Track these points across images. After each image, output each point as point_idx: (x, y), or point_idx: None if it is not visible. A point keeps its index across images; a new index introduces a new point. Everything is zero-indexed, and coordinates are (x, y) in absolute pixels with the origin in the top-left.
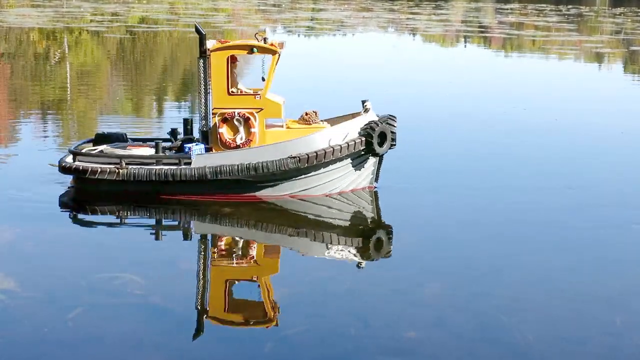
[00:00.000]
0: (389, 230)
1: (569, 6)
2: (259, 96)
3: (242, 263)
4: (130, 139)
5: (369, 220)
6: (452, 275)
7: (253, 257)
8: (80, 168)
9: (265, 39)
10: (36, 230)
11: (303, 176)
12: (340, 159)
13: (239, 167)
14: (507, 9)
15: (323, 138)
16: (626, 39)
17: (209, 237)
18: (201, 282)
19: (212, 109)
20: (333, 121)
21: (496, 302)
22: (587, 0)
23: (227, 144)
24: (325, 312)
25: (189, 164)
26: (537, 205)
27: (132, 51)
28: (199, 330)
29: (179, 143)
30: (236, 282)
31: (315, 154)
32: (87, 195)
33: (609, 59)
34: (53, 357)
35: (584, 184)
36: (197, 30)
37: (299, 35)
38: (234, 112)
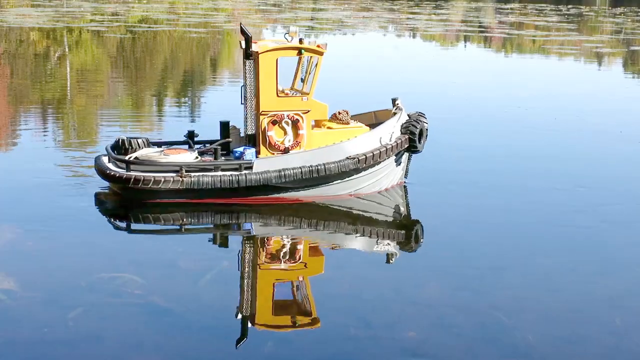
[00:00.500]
0: (398, 230)
1: (569, 6)
2: (306, 98)
3: (272, 264)
4: (151, 143)
5: (384, 220)
6: (452, 275)
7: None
8: (143, 178)
9: (301, 40)
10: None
11: (356, 176)
12: (389, 157)
13: (302, 170)
14: (507, 9)
15: (375, 138)
16: (626, 39)
17: (254, 240)
18: (245, 285)
19: (261, 112)
20: (358, 118)
21: (496, 302)
22: (587, 0)
23: (276, 146)
24: (325, 312)
25: (250, 168)
26: (540, 205)
27: (132, 51)
28: (243, 335)
29: (214, 147)
30: (277, 284)
31: (372, 154)
32: (137, 204)
33: (608, 58)
34: (53, 357)
35: (591, 183)
36: (243, 31)
37: (299, 35)
38: (283, 114)
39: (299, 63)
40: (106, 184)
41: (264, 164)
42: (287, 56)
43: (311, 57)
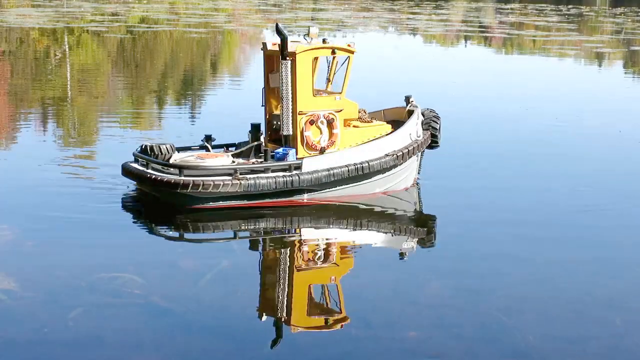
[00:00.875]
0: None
1: (569, 6)
2: (339, 97)
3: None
4: (177, 148)
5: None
6: (452, 275)
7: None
8: (202, 183)
9: (324, 40)
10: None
11: (389, 173)
12: (419, 153)
13: (349, 169)
14: (507, 9)
15: (406, 134)
16: (626, 39)
17: (280, 241)
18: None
19: (298, 112)
20: (372, 115)
21: (496, 302)
22: (587, 0)
23: (313, 146)
24: (324, 312)
25: (299, 169)
26: (540, 205)
27: (132, 51)
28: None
29: (246, 148)
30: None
31: (407, 149)
32: (181, 209)
33: (609, 58)
34: (53, 357)
35: (591, 184)
36: (279, 31)
37: (299, 35)
38: (319, 114)
39: (332, 63)
40: (104, 184)
41: (312, 164)
42: (323, 55)
43: (334, 57)
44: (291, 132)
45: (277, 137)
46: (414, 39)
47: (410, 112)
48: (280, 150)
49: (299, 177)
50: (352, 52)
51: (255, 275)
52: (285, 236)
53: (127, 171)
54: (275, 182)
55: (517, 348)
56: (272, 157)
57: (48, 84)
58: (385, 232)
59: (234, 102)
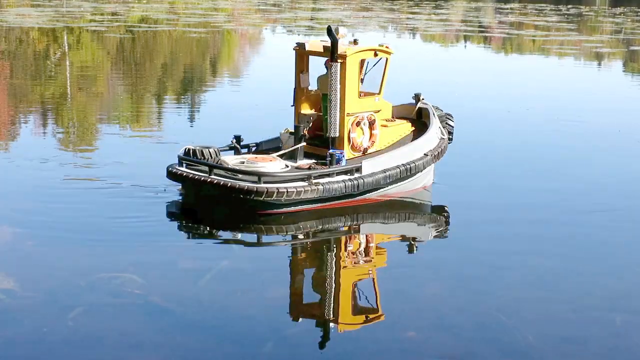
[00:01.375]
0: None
1: (569, 6)
2: (378, 98)
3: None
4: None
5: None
6: (453, 275)
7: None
8: (287, 190)
9: (356, 40)
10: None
11: (425, 171)
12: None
13: (400, 170)
14: (507, 9)
15: (436, 134)
16: (626, 39)
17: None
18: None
19: (347, 113)
20: None
21: (496, 302)
22: (587, 0)
23: (357, 147)
24: (324, 312)
25: (359, 171)
26: (540, 205)
27: (132, 51)
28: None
29: (291, 150)
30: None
31: (440, 148)
32: (251, 215)
33: (608, 58)
34: (53, 357)
35: (591, 184)
36: (330, 33)
37: (299, 34)
38: (363, 115)
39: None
40: (99, 186)
41: (370, 166)
42: (367, 57)
43: (364, 59)
44: (338, 134)
45: (309, 137)
46: (413, 39)
47: (420, 110)
48: (336, 152)
49: (363, 180)
50: (390, 54)
51: (255, 275)
52: (287, 236)
53: (178, 175)
54: (345, 186)
55: (517, 348)
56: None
57: (47, 83)
58: (391, 233)
59: (234, 102)
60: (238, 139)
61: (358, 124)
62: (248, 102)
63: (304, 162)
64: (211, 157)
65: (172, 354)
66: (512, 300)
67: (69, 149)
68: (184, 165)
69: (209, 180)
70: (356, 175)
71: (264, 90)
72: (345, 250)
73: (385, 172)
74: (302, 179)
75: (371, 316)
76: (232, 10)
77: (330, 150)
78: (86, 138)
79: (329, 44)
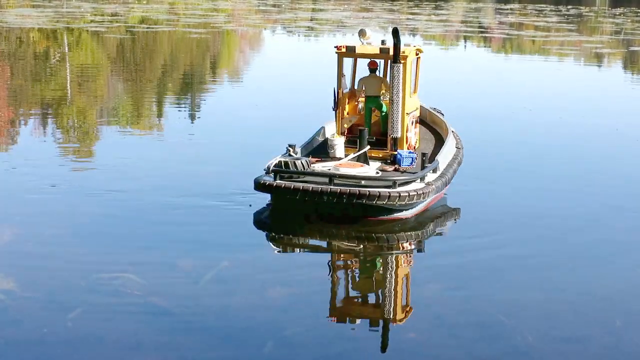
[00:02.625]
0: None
1: (569, 6)
2: (416, 97)
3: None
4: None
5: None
6: (453, 275)
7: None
8: (417, 193)
9: (383, 41)
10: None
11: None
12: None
13: (454, 169)
14: (507, 9)
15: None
16: (626, 39)
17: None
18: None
19: (407, 113)
20: None
21: (496, 302)
22: (587, 0)
23: (411, 147)
24: (325, 312)
25: (436, 172)
26: (540, 204)
27: (132, 51)
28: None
29: (361, 154)
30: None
31: (462, 148)
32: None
33: (608, 59)
34: (53, 357)
35: (591, 184)
36: (395, 34)
37: (299, 35)
38: (415, 114)
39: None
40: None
41: (442, 164)
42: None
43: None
44: (399, 135)
45: (351, 140)
46: (413, 39)
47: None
48: (407, 153)
49: (447, 178)
50: (422, 52)
51: (255, 275)
52: (288, 236)
53: (284, 189)
54: (443, 183)
55: (517, 348)
56: (394, 160)
57: (47, 84)
58: (391, 232)
59: (234, 102)
60: (293, 148)
61: (413, 123)
62: (248, 102)
63: (375, 165)
64: (303, 168)
65: (172, 354)
66: (512, 300)
67: (68, 149)
68: (278, 177)
69: (339, 191)
70: (437, 175)
71: (264, 90)
72: (346, 250)
73: (451, 167)
74: (416, 181)
75: (371, 316)
76: (232, 11)
77: (399, 151)
78: (86, 138)
79: (368, 44)
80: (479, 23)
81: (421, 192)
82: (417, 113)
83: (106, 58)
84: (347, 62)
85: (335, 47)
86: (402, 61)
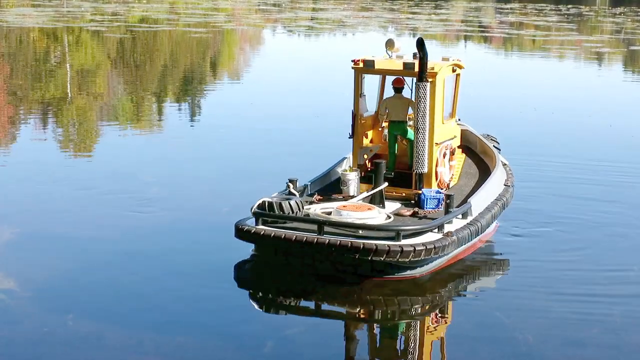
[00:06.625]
0: None
1: (569, 6)
2: (453, 122)
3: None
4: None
5: None
6: (453, 275)
7: None
8: (426, 247)
9: (415, 54)
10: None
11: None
12: None
13: (498, 205)
14: (507, 9)
15: (501, 162)
16: (626, 39)
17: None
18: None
19: (435, 143)
20: None
21: (496, 302)
22: (587, 0)
23: (443, 184)
24: (324, 313)
25: (468, 215)
26: (539, 205)
27: (132, 51)
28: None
29: (375, 193)
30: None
31: (511, 175)
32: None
33: (608, 58)
34: (53, 357)
35: (591, 184)
36: (421, 46)
37: (299, 35)
38: (448, 144)
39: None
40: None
41: (477, 206)
42: (448, 74)
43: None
44: (425, 169)
45: (369, 175)
46: (413, 39)
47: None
48: (434, 194)
49: (481, 224)
50: (462, 68)
51: (255, 275)
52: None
53: (263, 237)
54: (470, 233)
55: (517, 348)
56: (418, 202)
57: (47, 84)
58: None
59: (234, 102)
60: (294, 183)
61: (445, 155)
62: (246, 101)
63: (393, 207)
64: (292, 211)
65: (172, 354)
66: (512, 301)
67: (68, 150)
68: (260, 222)
69: (327, 242)
70: (469, 219)
71: (263, 90)
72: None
73: (490, 211)
74: (433, 230)
75: (371, 317)
76: (232, 10)
77: (424, 190)
78: (86, 138)
79: (393, 58)
80: (479, 22)
81: (432, 245)
82: (455, 143)
83: (106, 57)
84: (371, 78)
85: (352, 61)
86: (430, 79)
